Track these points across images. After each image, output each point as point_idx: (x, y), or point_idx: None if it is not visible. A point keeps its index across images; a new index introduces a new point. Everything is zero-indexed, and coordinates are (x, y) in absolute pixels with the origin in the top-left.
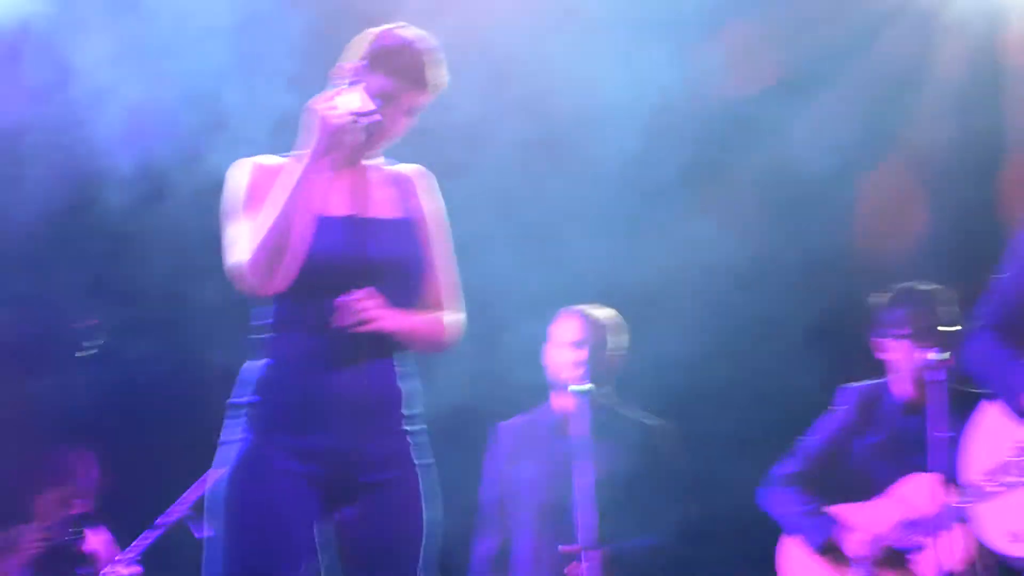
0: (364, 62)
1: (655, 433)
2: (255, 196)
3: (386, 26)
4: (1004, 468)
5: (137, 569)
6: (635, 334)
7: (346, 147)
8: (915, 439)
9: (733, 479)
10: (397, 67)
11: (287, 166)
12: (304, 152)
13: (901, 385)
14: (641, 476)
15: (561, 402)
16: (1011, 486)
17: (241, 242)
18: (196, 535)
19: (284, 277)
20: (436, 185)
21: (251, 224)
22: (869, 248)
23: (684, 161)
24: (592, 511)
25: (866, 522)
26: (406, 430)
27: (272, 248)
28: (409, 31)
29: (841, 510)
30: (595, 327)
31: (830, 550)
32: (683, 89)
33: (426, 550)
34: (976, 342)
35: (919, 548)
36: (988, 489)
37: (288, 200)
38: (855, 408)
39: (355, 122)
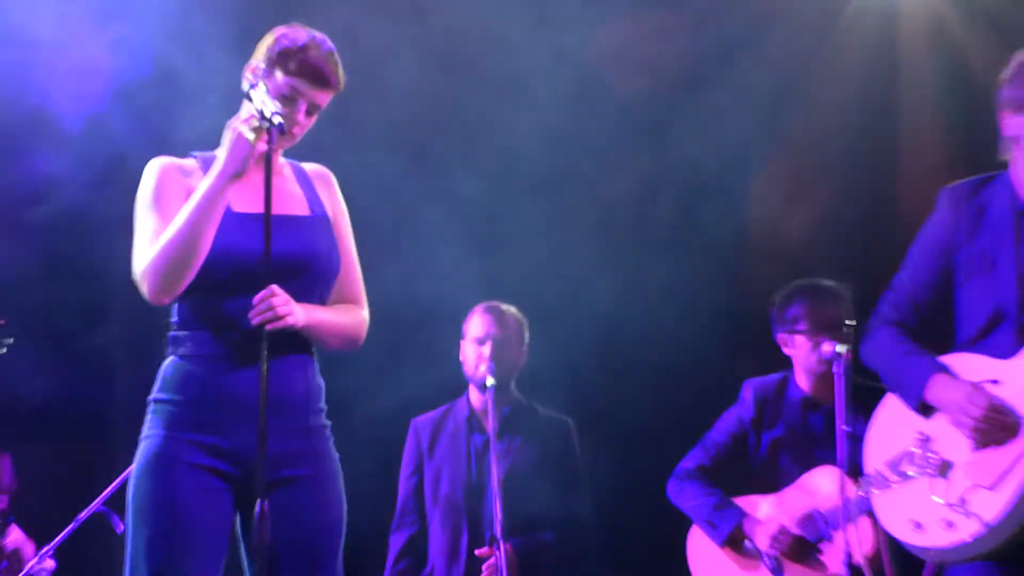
0: (265, 64)
1: (557, 427)
2: (162, 199)
3: (283, 28)
4: (904, 459)
5: (52, 563)
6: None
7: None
8: (818, 432)
9: (645, 472)
10: (296, 67)
11: (196, 172)
12: (216, 170)
13: (803, 379)
14: (545, 468)
15: (473, 397)
16: (911, 477)
17: (143, 248)
18: (116, 530)
19: (182, 287)
20: (337, 185)
21: (155, 228)
22: (769, 240)
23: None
24: (500, 503)
25: (773, 513)
26: (318, 426)
27: (178, 268)
28: (305, 32)
29: (748, 502)
30: (501, 323)
31: (738, 541)
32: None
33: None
34: (876, 338)
35: (826, 539)
36: (890, 480)
37: (194, 216)
38: (759, 402)
39: (259, 122)
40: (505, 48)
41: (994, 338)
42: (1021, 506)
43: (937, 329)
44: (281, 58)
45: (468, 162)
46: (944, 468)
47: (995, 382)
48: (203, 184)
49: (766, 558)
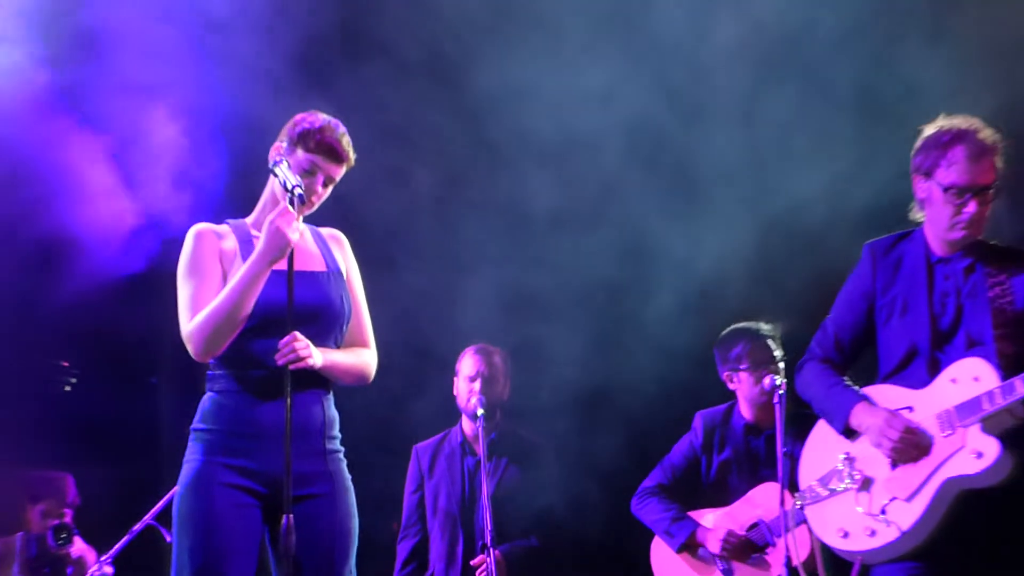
0: (287, 143)
1: (538, 449)
2: (199, 264)
3: (303, 114)
4: (833, 476)
5: (111, 570)
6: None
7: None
8: (761, 454)
9: (612, 491)
10: (315, 145)
11: (228, 236)
12: (256, 257)
13: (746, 409)
14: (527, 483)
15: (466, 425)
16: (839, 491)
17: (188, 312)
18: (167, 540)
19: (222, 349)
20: (348, 245)
21: (195, 292)
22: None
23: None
24: (490, 515)
25: (724, 523)
26: (332, 451)
27: (221, 334)
28: (322, 117)
29: (702, 515)
30: (489, 363)
31: (692, 547)
32: None
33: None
34: (807, 372)
35: (771, 544)
36: (820, 495)
37: (235, 295)
38: (707, 429)
39: (286, 194)
40: None
41: (909, 371)
42: (931, 514)
43: (862, 364)
44: (301, 138)
45: None
46: (866, 483)
47: (910, 409)
48: (245, 267)
49: (718, 561)
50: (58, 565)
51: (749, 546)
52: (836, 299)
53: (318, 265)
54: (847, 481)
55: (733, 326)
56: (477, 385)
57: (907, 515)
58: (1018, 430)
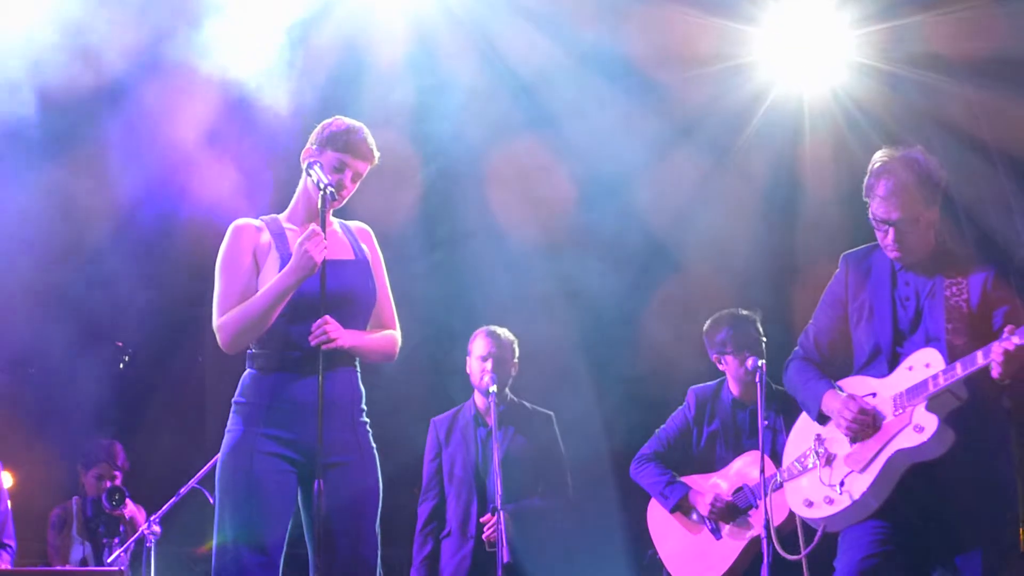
0: (317, 145)
1: (542, 419)
2: (234, 260)
3: (329, 119)
4: (807, 455)
5: (159, 528)
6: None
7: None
8: (745, 427)
9: (615, 455)
10: (343, 145)
11: (264, 230)
12: (286, 275)
13: (733, 386)
14: (532, 450)
15: (478, 399)
16: (810, 468)
17: (219, 306)
18: (210, 501)
19: (247, 346)
20: (375, 237)
21: (226, 288)
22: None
23: None
24: (499, 480)
25: (711, 488)
26: (360, 422)
27: (247, 333)
28: (347, 120)
29: (693, 480)
30: (498, 344)
31: (684, 508)
32: None
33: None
34: (791, 369)
35: (753, 506)
36: (795, 472)
37: (264, 303)
38: (699, 403)
39: (319, 192)
40: None
41: (874, 366)
42: (879, 484)
43: (840, 361)
44: (330, 140)
45: None
46: (830, 460)
47: (873, 395)
48: (275, 281)
49: (707, 521)
50: (112, 524)
51: (734, 508)
52: (818, 304)
53: (347, 254)
54: (814, 458)
55: (718, 313)
56: (489, 364)
57: (859, 485)
58: (961, 410)
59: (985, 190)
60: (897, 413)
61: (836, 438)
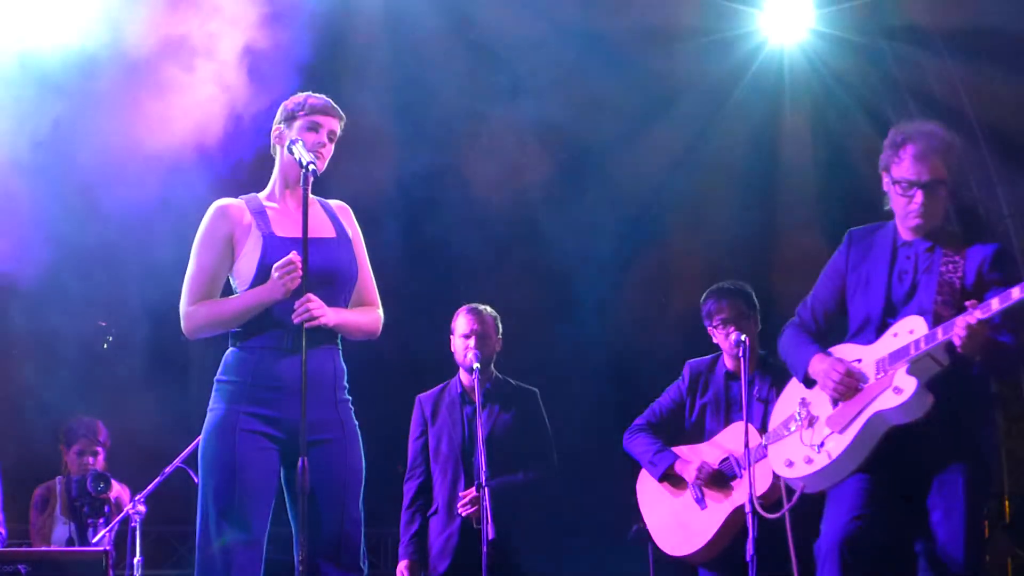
0: (285, 121)
1: (527, 396)
2: (206, 245)
3: (285, 101)
4: (791, 419)
5: (144, 508)
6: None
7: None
8: (735, 399)
9: (605, 428)
10: (309, 108)
11: (244, 211)
12: (259, 295)
13: (727, 359)
14: (517, 427)
15: (463, 377)
16: (793, 431)
17: (187, 289)
18: (194, 480)
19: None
20: (353, 215)
21: (197, 272)
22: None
23: None
24: (484, 458)
25: (698, 457)
26: (342, 400)
27: (211, 331)
28: (302, 93)
29: (683, 449)
30: (481, 321)
31: (672, 477)
32: None
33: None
34: (785, 334)
35: (739, 476)
36: (780, 435)
37: (232, 313)
38: (693, 376)
39: (304, 168)
40: None
41: (864, 334)
42: (858, 444)
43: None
44: (295, 110)
45: None
46: (812, 421)
47: (859, 360)
48: (249, 297)
49: (692, 488)
50: (96, 504)
51: (719, 476)
52: (820, 275)
53: (328, 232)
54: (798, 421)
55: (714, 285)
56: (472, 342)
57: (838, 445)
58: (944, 377)
59: (966, 163)
60: (879, 376)
61: (820, 400)
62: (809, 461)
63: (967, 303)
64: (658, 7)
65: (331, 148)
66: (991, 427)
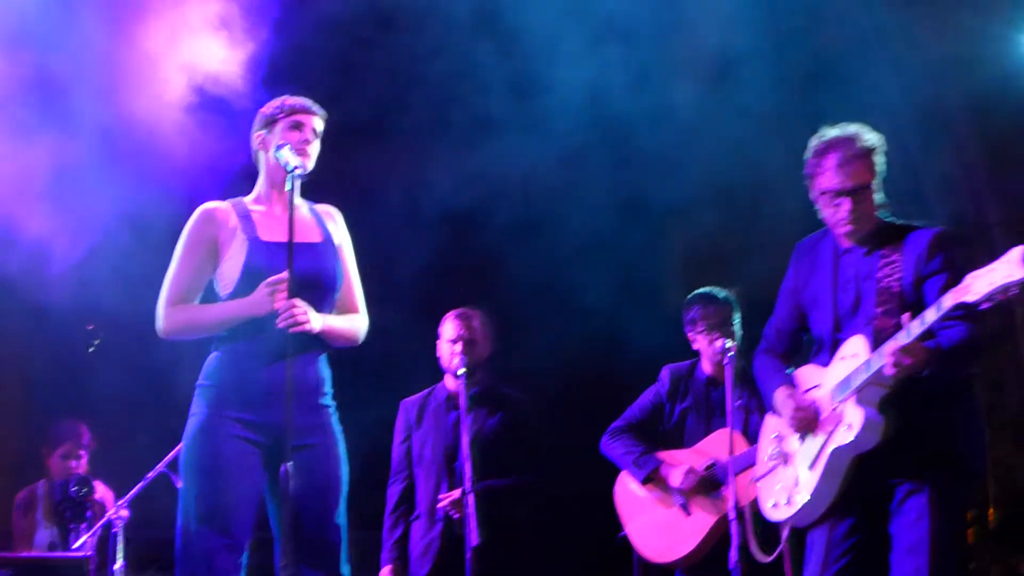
0: (265, 128)
1: (515, 403)
2: (188, 249)
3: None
4: (770, 454)
5: (127, 512)
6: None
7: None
8: (716, 405)
9: (583, 434)
10: (289, 109)
11: (230, 214)
12: (243, 307)
13: (707, 365)
14: (504, 433)
15: (449, 382)
16: (774, 467)
17: (169, 292)
18: (176, 486)
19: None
20: (342, 219)
21: (177, 275)
22: None
23: None
24: (469, 464)
25: (685, 462)
26: (325, 405)
27: (188, 336)
28: (276, 99)
29: (665, 454)
30: (468, 326)
31: (656, 481)
32: None
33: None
34: (755, 362)
35: (724, 484)
36: (765, 470)
37: (216, 322)
38: (673, 380)
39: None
40: None
41: (821, 354)
42: (826, 481)
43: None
44: (274, 114)
45: None
46: (787, 458)
47: (818, 386)
48: (232, 307)
49: (676, 495)
50: (79, 508)
51: (707, 482)
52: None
53: (315, 237)
54: (775, 457)
55: (695, 291)
56: (459, 347)
57: (811, 482)
58: (900, 394)
59: (952, 169)
60: (833, 408)
61: (790, 435)
62: (790, 502)
63: (902, 318)
64: None
65: (317, 145)
66: (966, 419)
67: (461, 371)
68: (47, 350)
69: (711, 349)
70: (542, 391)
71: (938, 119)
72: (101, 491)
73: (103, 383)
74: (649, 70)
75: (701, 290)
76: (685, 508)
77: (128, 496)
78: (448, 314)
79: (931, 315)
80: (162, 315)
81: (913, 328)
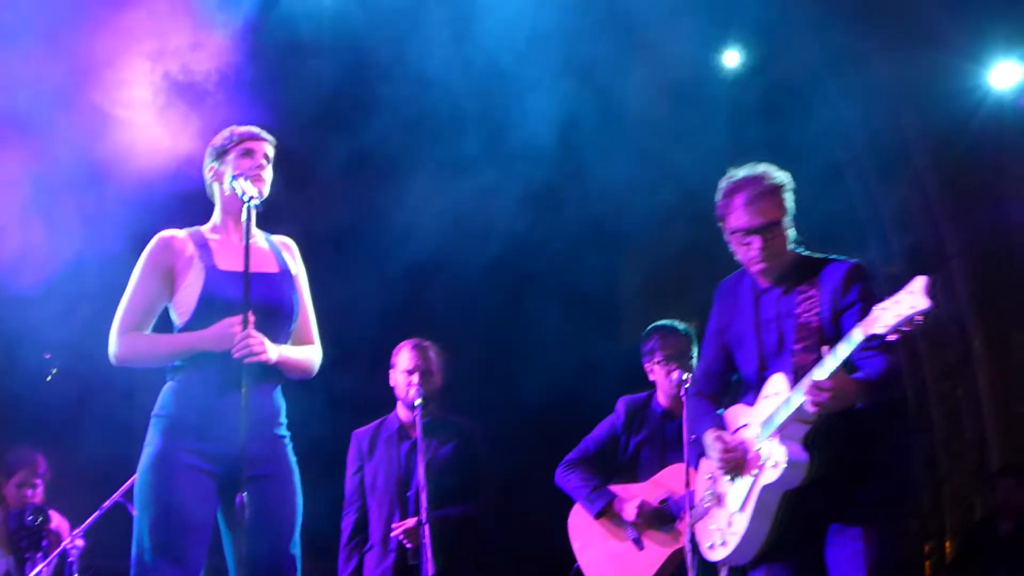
0: (216, 159)
1: (467, 432)
2: (150, 276)
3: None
4: (705, 495)
5: (82, 542)
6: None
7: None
8: (672, 438)
9: (538, 465)
10: (238, 138)
11: (187, 243)
12: (201, 341)
13: (663, 397)
14: (455, 462)
15: (401, 412)
16: (709, 508)
17: (123, 320)
18: (132, 515)
19: None
20: (297, 251)
21: (131, 301)
22: None
23: None
24: (424, 494)
25: (638, 496)
26: (281, 436)
27: (141, 364)
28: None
29: (618, 488)
30: (425, 357)
31: (609, 515)
32: None
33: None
34: (687, 407)
35: (678, 516)
36: (700, 512)
37: (171, 353)
38: (629, 412)
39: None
40: None
41: (748, 396)
42: (757, 520)
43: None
44: (225, 144)
45: None
46: (720, 499)
47: (746, 425)
48: (189, 339)
49: (630, 529)
50: (34, 538)
51: (660, 516)
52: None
53: (272, 267)
54: (710, 500)
55: (654, 324)
56: (416, 378)
57: (742, 522)
58: (826, 429)
59: (911, 201)
60: (758, 447)
61: (721, 476)
62: (724, 543)
63: (822, 350)
64: None
65: (270, 171)
66: (895, 448)
67: (418, 401)
68: (2, 378)
69: (668, 381)
70: (500, 421)
71: (896, 150)
72: (56, 520)
73: (59, 412)
74: (609, 102)
75: (660, 322)
76: (638, 542)
77: (83, 526)
78: (403, 344)
79: (843, 349)
80: (115, 341)
81: (827, 363)
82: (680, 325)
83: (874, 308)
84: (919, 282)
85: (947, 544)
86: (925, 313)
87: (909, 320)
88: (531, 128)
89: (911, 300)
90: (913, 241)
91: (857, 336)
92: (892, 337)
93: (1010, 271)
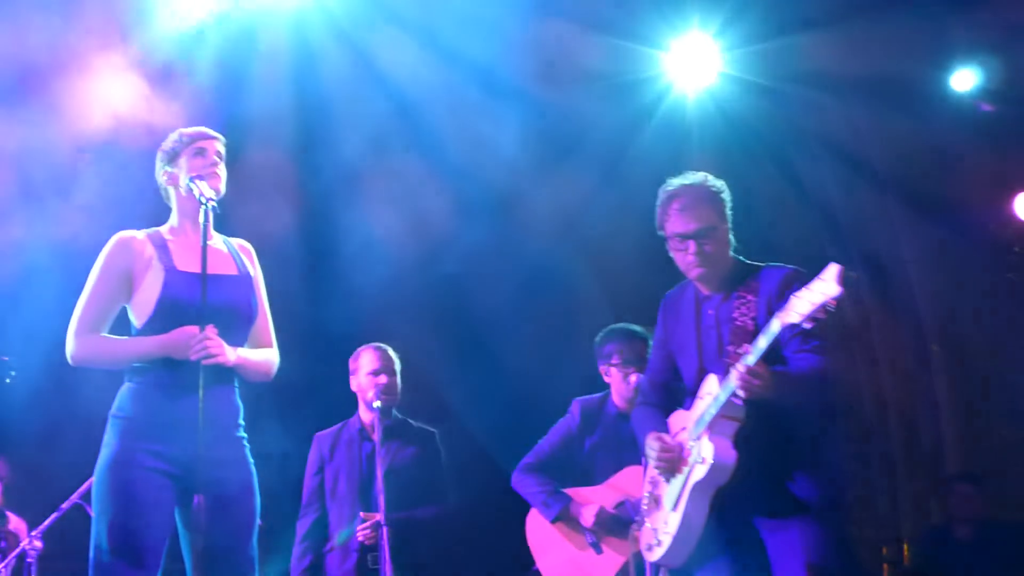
0: (169, 162)
1: (426, 436)
2: (107, 277)
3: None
4: (646, 499)
5: (40, 544)
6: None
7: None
8: (627, 439)
9: (499, 468)
10: (188, 139)
11: (146, 245)
12: (157, 346)
13: (617, 399)
14: (416, 465)
15: (363, 414)
16: (647, 512)
17: (80, 320)
18: (90, 516)
19: None
20: (255, 254)
21: (88, 302)
22: None
23: None
24: (383, 492)
25: (594, 500)
26: (238, 438)
27: (98, 365)
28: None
29: (575, 492)
30: (387, 359)
31: (566, 519)
32: None
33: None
34: (633, 414)
35: (635, 521)
36: (644, 515)
37: (128, 357)
38: (584, 414)
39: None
40: None
41: (688, 402)
42: (689, 519)
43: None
44: (175, 147)
45: None
46: (657, 501)
47: (684, 428)
48: (149, 344)
49: (588, 534)
50: None
51: (617, 521)
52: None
53: (230, 268)
54: (649, 502)
55: (612, 326)
56: (381, 379)
57: (673, 523)
58: (752, 428)
59: (869, 208)
60: (691, 446)
61: (658, 479)
62: (659, 543)
63: (742, 348)
64: (564, 49)
65: (223, 167)
66: (829, 451)
67: (377, 403)
68: None
69: (625, 384)
70: (460, 424)
71: (856, 157)
72: (14, 522)
73: (17, 414)
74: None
75: (617, 325)
76: (596, 547)
77: (41, 527)
78: (363, 348)
79: (763, 340)
80: (73, 342)
81: (760, 342)
82: (637, 329)
83: (791, 298)
84: (832, 270)
85: (905, 549)
86: (837, 299)
87: (822, 307)
88: (494, 136)
89: (823, 287)
90: (872, 247)
91: (775, 326)
92: (808, 325)
93: (968, 277)
